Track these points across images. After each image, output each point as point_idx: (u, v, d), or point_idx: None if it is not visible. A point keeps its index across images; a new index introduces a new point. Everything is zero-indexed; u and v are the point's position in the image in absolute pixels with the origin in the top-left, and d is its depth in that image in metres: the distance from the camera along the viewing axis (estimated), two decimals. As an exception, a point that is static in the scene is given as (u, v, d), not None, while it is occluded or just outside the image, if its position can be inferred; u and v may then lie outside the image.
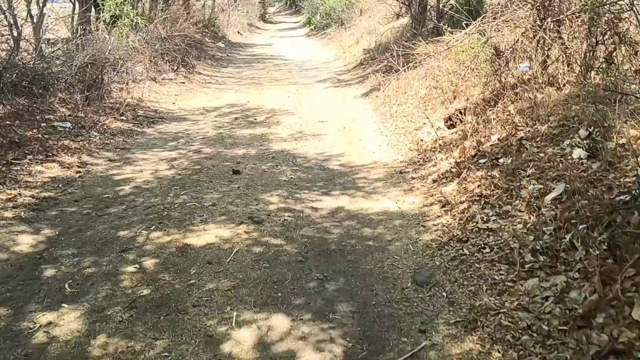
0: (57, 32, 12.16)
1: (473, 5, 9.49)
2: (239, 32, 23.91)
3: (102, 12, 10.99)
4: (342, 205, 4.94)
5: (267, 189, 5.40)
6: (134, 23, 11.05)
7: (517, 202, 4.09)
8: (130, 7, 11.36)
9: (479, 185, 4.60)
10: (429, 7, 12.40)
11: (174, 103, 9.89)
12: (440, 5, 11.05)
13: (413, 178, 5.47)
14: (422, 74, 8.48)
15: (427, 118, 6.54)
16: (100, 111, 8.23)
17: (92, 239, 4.35)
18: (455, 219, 4.31)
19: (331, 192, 5.30)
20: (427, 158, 5.82)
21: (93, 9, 11.97)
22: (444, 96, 7.38)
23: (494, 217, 4.07)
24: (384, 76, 9.88)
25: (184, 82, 11.85)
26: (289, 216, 4.74)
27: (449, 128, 6.37)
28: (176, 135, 7.59)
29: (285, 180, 5.65)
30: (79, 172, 5.97)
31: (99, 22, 10.85)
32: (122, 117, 8.35)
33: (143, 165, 6.24)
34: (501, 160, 4.79)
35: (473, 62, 6.89)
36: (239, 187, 5.45)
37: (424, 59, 8.57)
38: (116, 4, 11.03)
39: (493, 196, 4.33)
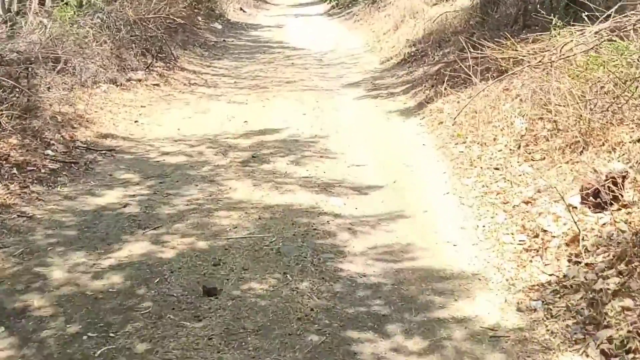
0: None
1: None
2: (241, 9, 21.84)
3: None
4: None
5: (266, 353, 3.15)
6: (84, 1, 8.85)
7: None
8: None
9: None
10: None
11: (136, 121, 7.70)
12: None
13: (552, 332, 3.19)
14: (516, 93, 6.19)
15: (553, 188, 4.26)
16: (12, 140, 6.05)
17: None
18: None
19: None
20: (568, 281, 3.51)
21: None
22: (564, 137, 5.10)
23: None
24: (447, 88, 7.54)
25: (158, 84, 9.67)
26: None
27: (594, 209, 4.08)
28: (127, 191, 5.37)
29: (302, 326, 3.34)
30: None
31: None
32: (48, 151, 6.15)
33: (51, 264, 4.05)
34: None
35: (625, 90, 4.59)
36: (210, 339, 3.23)
37: (517, 68, 6.25)
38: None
39: None
